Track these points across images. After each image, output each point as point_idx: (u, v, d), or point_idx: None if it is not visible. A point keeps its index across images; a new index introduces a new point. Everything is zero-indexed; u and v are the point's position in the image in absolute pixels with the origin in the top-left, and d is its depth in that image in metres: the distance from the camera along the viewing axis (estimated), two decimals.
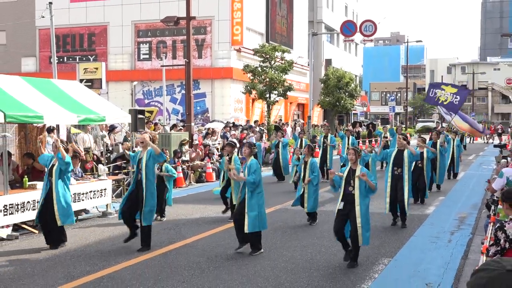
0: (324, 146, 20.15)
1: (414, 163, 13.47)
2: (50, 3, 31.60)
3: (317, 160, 18.02)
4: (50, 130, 15.12)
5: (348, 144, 20.04)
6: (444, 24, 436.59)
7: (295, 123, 39.81)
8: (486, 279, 1.63)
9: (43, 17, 33.56)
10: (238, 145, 19.21)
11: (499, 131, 51.07)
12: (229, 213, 12.49)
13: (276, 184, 19.01)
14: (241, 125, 31.52)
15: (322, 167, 19.70)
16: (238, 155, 14.08)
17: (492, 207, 7.87)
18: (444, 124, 43.26)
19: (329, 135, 20.74)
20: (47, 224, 10.13)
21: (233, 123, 31.13)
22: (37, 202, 10.60)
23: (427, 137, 22.73)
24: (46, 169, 10.36)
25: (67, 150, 10.64)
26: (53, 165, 10.17)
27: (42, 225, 10.31)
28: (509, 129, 46.80)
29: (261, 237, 9.54)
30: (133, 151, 11.55)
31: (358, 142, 31.11)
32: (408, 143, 12.76)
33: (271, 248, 9.90)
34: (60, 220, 10.05)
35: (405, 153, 11.85)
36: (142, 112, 19.54)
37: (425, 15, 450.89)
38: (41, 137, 12.39)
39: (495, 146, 29.00)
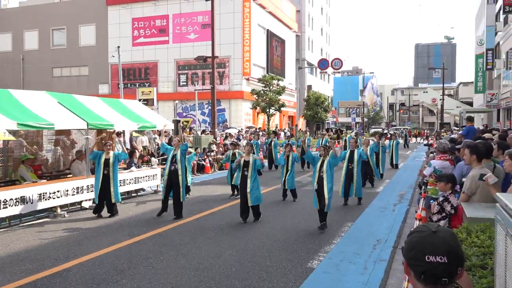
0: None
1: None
2: (118, 47, 31.65)
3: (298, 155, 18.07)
4: (118, 134, 15.15)
5: (321, 143, 19.96)
6: (389, 60, 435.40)
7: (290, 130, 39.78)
8: (417, 238, 1.63)
9: (113, 56, 33.65)
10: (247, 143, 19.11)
11: (427, 134, 50.90)
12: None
13: (272, 172, 18.96)
14: (248, 130, 31.54)
15: (302, 161, 19.67)
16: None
17: (423, 187, 7.80)
18: (391, 130, 43.12)
19: (307, 137, 20.74)
20: (103, 201, 9.96)
21: (246, 130, 31.15)
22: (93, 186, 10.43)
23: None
24: (100, 161, 10.03)
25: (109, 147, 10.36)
26: (107, 159, 10.04)
27: (99, 202, 9.98)
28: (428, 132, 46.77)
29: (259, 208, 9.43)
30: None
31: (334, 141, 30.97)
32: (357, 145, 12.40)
33: (271, 216, 9.87)
34: (115, 198, 10.00)
35: (355, 152, 11.46)
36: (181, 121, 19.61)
37: (376, 54, 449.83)
38: (101, 136, 12.10)
39: (425, 145, 28.85)
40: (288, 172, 11.77)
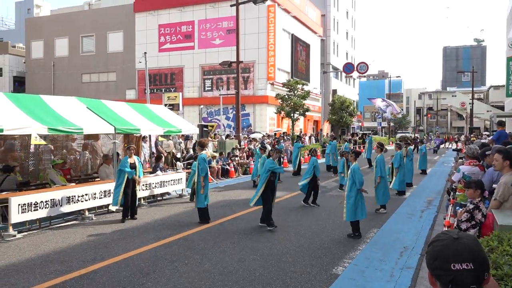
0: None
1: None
2: (145, 53, 32.24)
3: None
4: (144, 138, 15.37)
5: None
6: (416, 63, 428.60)
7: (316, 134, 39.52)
8: (439, 247, 1.59)
9: (140, 62, 34.28)
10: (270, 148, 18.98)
11: (456, 139, 49.79)
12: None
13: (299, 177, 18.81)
14: (273, 135, 31.50)
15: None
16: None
17: (452, 193, 7.62)
18: (417, 135, 42.33)
19: (330, 141, 20.70)
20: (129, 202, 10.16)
21: (268, 134, 31.12)
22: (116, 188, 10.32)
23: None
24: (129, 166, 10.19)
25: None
26: (132, 163, 10.26)
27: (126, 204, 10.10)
28: (462, 137, 45.64)
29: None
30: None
31: (355, 147, 30.63)
32: (383, 150, 12.04)
33: (294, 221, 9.81)
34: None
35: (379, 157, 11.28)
36: (206, 126, 19.81)
37: (403, 57, 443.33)
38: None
39: (453, 150, 28.15)
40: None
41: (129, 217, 10.07)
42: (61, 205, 9.35)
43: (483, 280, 1.55)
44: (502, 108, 54.05)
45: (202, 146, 10.09)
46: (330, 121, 47.94)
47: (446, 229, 5.88)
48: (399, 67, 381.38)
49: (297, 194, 13.67)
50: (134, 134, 13.20)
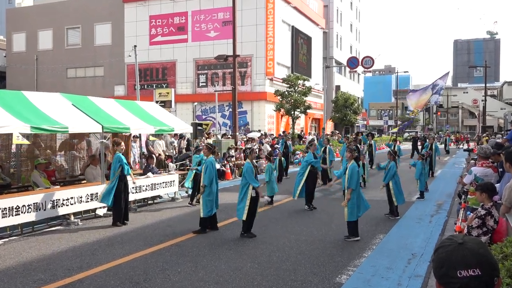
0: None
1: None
2: (135, 46, 32.24)
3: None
4: (134, 137, 15.35)
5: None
6: (425, 57, 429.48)
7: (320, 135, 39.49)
8: (445, 253, 1.60)
9: (129, 56, 34.27)
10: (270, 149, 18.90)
11: (468, 139, 49.93)
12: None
13: None
14: (272, 134, 31.52)
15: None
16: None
17: (463, 196, 7.64)
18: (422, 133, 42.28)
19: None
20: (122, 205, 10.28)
21: (265, 133, 31.14)
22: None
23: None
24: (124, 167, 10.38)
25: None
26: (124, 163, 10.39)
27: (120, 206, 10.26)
28: (474, 137, 45.71)
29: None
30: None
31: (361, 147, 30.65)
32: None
33: (295, 226, 9.81)
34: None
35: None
36: (200, 124, 19.76)
37: (411, 51, 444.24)
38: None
39: (464, 150, 28.19)
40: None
41: (120, 222, 10.05)
42: (44, 209, 9.32)
43: (493, 285, 1.56)
44: None
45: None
46: (333, 119, 48.00)
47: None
48: (407, 62, 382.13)
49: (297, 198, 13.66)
50: (123, 133, 13.18)
